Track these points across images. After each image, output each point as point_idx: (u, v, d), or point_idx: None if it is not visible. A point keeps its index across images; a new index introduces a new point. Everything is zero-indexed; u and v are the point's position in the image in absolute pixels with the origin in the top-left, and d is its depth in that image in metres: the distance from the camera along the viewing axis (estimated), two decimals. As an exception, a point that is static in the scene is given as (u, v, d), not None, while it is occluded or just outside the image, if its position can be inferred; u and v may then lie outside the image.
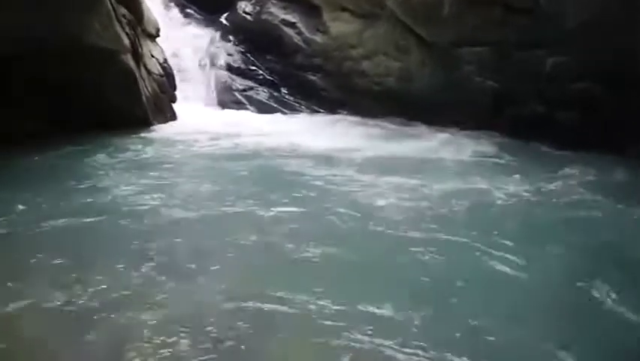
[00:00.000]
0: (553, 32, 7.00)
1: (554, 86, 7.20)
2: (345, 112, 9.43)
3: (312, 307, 3.06)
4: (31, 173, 5.47)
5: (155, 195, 4.79)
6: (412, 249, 3.83)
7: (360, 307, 3.08)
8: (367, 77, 9.27)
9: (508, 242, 3.95)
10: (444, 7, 7.92)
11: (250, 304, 3.08)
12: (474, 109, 8.07)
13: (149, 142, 7.20)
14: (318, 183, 5.39)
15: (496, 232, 4.13)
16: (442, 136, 7.81)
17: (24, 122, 6.51)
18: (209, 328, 2.85)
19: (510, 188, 5.33)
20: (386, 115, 8.98)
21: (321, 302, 3.10)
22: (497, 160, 6.66)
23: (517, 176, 5.72)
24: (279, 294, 3.18)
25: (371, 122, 8.78)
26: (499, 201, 5.00)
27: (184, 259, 3.64)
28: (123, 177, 5.36)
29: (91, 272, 3.38)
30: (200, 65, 9.93)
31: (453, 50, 8.15)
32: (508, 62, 7.61)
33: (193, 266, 3.56)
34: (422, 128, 8.33)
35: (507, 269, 3.60)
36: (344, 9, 9.17)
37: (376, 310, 3.06)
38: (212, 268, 3.55)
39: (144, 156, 6.49)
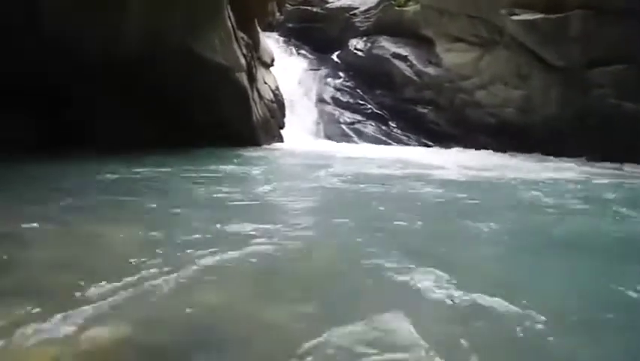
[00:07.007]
0: None
1: None
2: (456, 146, 8.90)
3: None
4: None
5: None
6: None
7: None
8: (482, 109, 8.71)
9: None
10: (571, 26, 7.33)
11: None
12: (609, 137, 7.15)
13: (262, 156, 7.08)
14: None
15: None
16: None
17: (140, 129, 6.69)
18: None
19: None
20: (502, 148, 8.28)
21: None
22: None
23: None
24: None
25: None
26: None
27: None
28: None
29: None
30: (309, 99, 10.04)
31: (583, 72, 7.42)
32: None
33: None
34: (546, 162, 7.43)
35: None
36: (458, 39, 8.87)
37: None
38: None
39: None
